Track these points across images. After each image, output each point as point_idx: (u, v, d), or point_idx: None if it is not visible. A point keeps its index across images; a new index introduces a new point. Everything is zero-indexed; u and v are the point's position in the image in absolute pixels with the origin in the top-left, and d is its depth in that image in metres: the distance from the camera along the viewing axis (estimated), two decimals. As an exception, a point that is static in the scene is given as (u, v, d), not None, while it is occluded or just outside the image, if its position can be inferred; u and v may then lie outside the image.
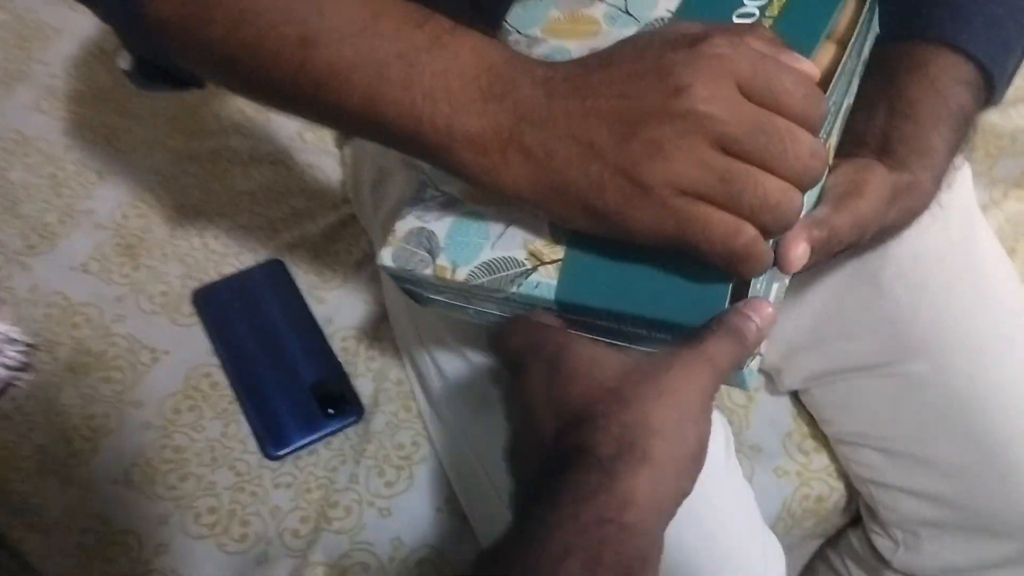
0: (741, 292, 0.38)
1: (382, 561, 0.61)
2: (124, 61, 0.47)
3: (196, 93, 0.87)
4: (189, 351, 0.70)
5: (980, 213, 0.64)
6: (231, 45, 0.40)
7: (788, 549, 0.59)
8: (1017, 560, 0.60)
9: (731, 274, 0.38)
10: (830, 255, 0.41)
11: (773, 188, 0.35)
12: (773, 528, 0.64)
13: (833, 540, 0.73)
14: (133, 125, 0.84)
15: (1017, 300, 0.62)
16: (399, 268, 0.44)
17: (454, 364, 0.62)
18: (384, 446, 0.66)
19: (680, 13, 0.44)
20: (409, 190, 0.47)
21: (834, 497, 0.67)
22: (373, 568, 0.61)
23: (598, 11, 0.45)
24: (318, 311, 0.73)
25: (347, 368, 0.69)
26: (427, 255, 0.44)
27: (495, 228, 0.43)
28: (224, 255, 0.76)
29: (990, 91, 0.49)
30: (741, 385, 0.42)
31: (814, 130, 0.37)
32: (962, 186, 0.63)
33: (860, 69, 0.47)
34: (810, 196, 0.42)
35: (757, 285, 0.39)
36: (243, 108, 0.87)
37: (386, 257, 0.44)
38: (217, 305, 0.72)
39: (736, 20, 0.42)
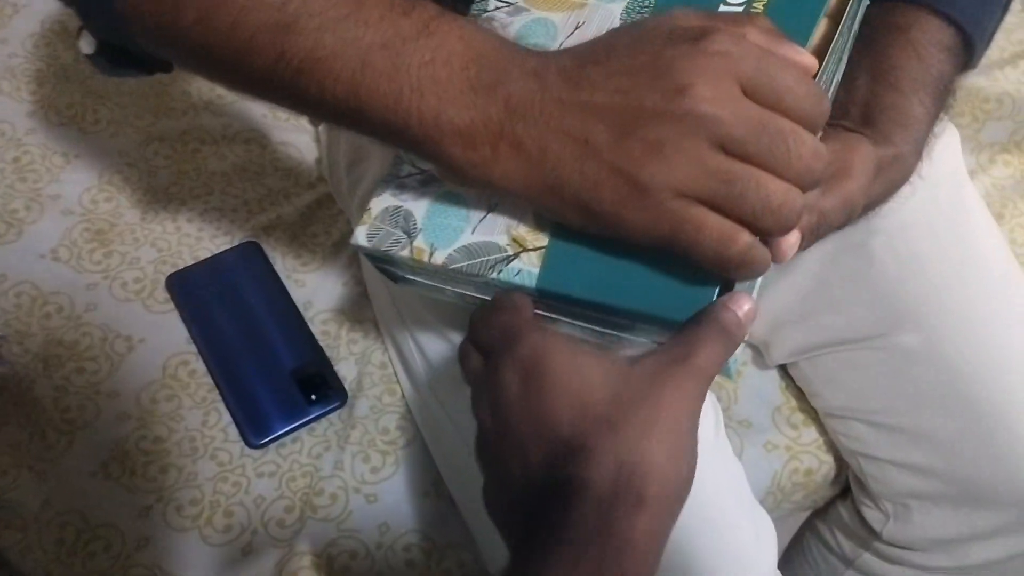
0: (728, 285, 0.38)
1: (369, 548, 0.60)
2: (87, 45, 0.45)
3: (163, 70, 0.85)
4: (165, 339, 0.68)
5: (968, 180, 0.63)
6: (205, 31, 0.38)
7: (777, 522, 0.58)
8: (1006, 530, 0.60)
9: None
10: (820, 239, 0.41)
11: (776, 190, 0.34)
12: (763, 502, 0.64)
13: (822, 512, 0.73)
14: (98, 105, 0.81)
15: (1005, 267, 0.62)
16: (374, 248, 0.43)
17: (436, 345, 0.61)
18: (369, 431, 0.65)
19: None
20: (386, 168, 0.46)
21: (823, 470, 0.67)
22: (360, 555, 0.60)
23: None
24: (297, 294, 0.71)
25: (328, 352, 0.68)
26: (404, 235, 0.42)
27: (476, 211, 0.42)
28: (198, 238, 0.74)
29: (969, 55, 0.48)
30: (724, 374, 0.41)
31: (816, 129, 0.36)
32: (949, 153, 0.62)
33: (851, 42, 0.45)
34: None
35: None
36: (214, 86, 0.84)
37: (360, 236, 0.43)
38: (192, 290, 0.70)
39: (723, 6, 0.40)
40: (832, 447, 0.67)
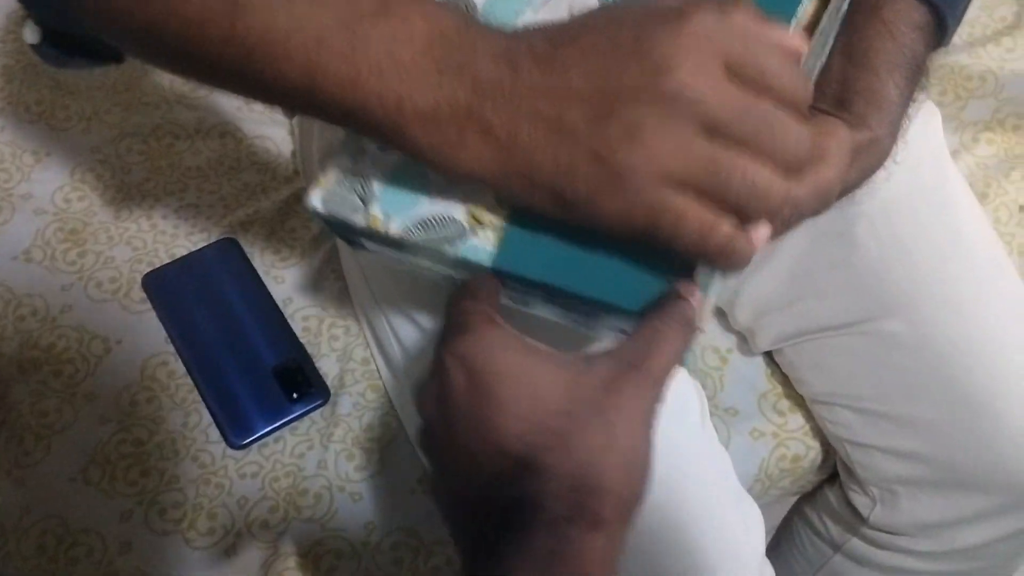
0: (686, 274, 0.36)
1: (356, 547, 0.60)
2: (31, 34, 0.43)
3: (134, 64, 0.83)
4: (143, 339, 0.67)
5: (951, 160, 0.63)
6: (149, 10, 0.36)
7: (765, 507, 0.58)
8: (992, 513, 0.60)
9: (692, 262, 0.36)
10: (792, 227, 0.39)
11: (761, 176, 0.33)
12: (750, 489, 0.64)
13: (810, 496, 0.73)
14: (68, 100, 0.79)
15: (989, 248, 0.61)
16: (328, 214, 0.41)
17: (409, 330, 0.60)
18: (352, 429, 0.64)
19: None
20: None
21: (811, 456, 0.66)
22: (347, 555, 0.60)
23: None
24: (276, 291, 0.70)
25: (310, 349, 0.67)
26: (360, 202, 0.41)
27: (436, 182, 0.40)
28: (174, 236, 0.72)
29: (942, 33, 0.48)
30: (679, 362, 0.40)
31: (801, 113, 0.34)
32: (931, 134, 0.62)
33: (837, 26, 0.44)
34: None
35: (704, 269, 0.37)
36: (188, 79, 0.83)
37: (315, 200, 0.41)
38: (170, 289, 0.69)
39: None
40: (819, 433, 0.67)
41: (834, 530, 0.70)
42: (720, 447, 0.59)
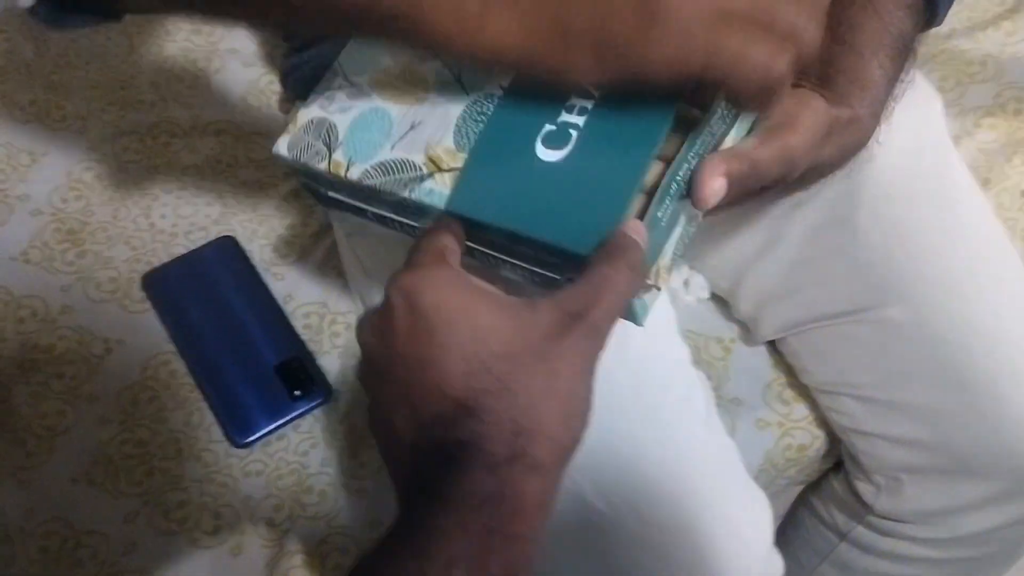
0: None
1: (361, 544, 0.60)
2: None
3: (129, 62, 0.82)
4: (143, 339, 0.67)
5: (952, 146, 0.63)
6: None
7: (771, 496, 0.58)
8: (997, 499, 0.60)
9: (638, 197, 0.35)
10: (752, 191, 0.39)
11: (804, 9, 0.33)
12: (756, 479, 0.63)
13: (815, 485, 0.73)
14: (63, 100, 0.79)
15: (991, 234, 0.61)
16: (294, 160, 0.42)
17: None
18: (356, 425, 0.64)
19: (516, 84, 0.40)
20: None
21: (816, 445, 0.66)
22: (353, 552, 0.59)
23: (431, 71, 0.42)
24: (276, 288, 0.70)
25: (311, 346, 0.67)
26: (324, 148, 0.41)
27: (399, 128, 0.41)
28: (173, 235, 0.72)
29: (932, 11, 0.47)
30: (634, 320, 0.40)
31: None
32: (932, 120, 0.62)
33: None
34: (743, 124, 0.40)
35: (660, 215, 0.36)
36: (181, 75, 0.82)
37: (282, 146, 0.42)
38: (169, 288, 0.69)
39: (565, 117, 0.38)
40: (824, 422, 0.66)
41: (839, 518, 0.70)
42: (726, 438, 0.59)
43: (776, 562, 0.56)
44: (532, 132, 0.38)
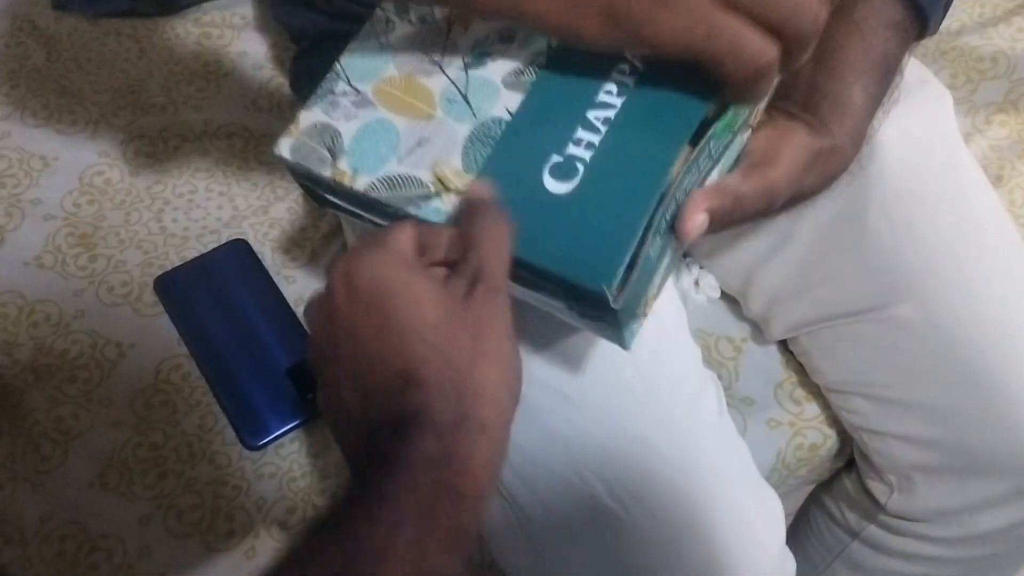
0: (635, 256, 0.37)
1: (374, 546, 0.60)
2: None
3: (140, 66, 0.83)
4: (156, 343, 0.67)
5: (963, 144, 0.62)
6: None
7: (782, 496, 0.58)
8: (1011, 498, 0.60)
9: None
10: (734, 223, 0.40)
11: (804, 3, 0.34)
12: (768, 479, 0.64)
13: (827, 484, 0.73)
14: (74, 104, 0.79)
15: (1002, 231, 0.61)
16: (296, 164, 0.42)
17: None
18: (367, 427, 0.64)
19: (524, 111, 0.41)
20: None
21: (828, 444, 0.66)
22: (365, 553, 0.60)
23: (436, 85, 0.42)
24: (288, 290, 0.70)
25: (323, 349, 0.67)
26: (328, 155, 0.41)
27: (405, 142, 0.41)
28: (184, 238, 0.72)
29: (922, 24, 0.47)
30: (621, 345, 0.41)
31: None
32: (943, 117, 0.61)
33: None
34: (728, 159, 0.41)
35: (651, 251, 0.37)
36: (192, 79, 0.83)
37: (284, 148, 0.42)
38: (181, 292, 0.69)
39: (591, 117, 0.39)
40: (835, 421, 0.66)
41: (851, 517, 0.70)
42: (738, 438, 0.59)
43: (788, 561, 0.56)
44: (539, 162, 0.38)
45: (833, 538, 0.72)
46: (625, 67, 0.39)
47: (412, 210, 0.40)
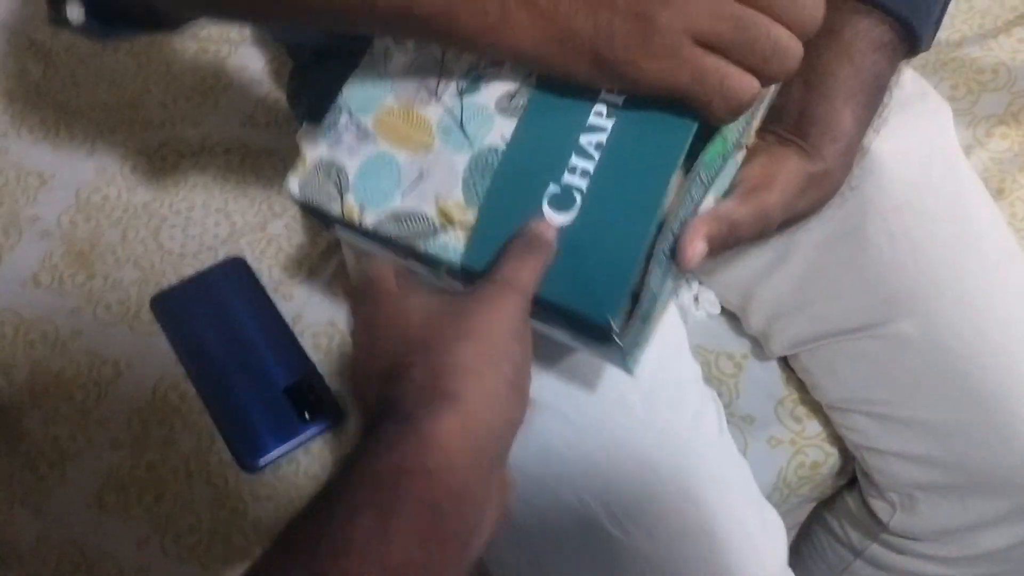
0: (638, 287, 0.38)
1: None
2: (75, 12, 0.44)
3: (137, 82, 0.83)
4: (153, 362, 0.67)
5: (963, 157, 0.62)
6: None
7: (785, 513, 0.58)
8: (1014, 517, 0.59)
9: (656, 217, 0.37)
10: (731, 248, 0.41)
11: (783, 36, 0.35)
12: (769, 497, 0.63)
13: (829, 502, 0.73)
14: (72, 121, 0.79)
15: (1003, 245, 0.60)
16: (305, 200, 0.43)
17: None
18: (365, 447, 0.63)
19: (518, 139, 0.41)
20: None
21: (829, 462, 0.66)
22: (364, 575, 0.59)
23: (433, 115, 0.42)
24: (285, 308, 0.70)
25: (321, 367, 0.67)
26: (335, 191, 0.42)
27: (406, 176, 0.41)
28: (181, 256, 0.72)
29: (913, 42, 0.47)
30: (626, 371, 0.42)
31: None
32: (942, 131, 0.61)
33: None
34: (720, 184, 0.41)
35: (652, 283, 0.38)
36: (189, 95, 0.82)
37: (293, 185, 0.43)
38: (178, 310, 0.69)
39: (583, 143, 0.39)
40: (837, 439, 0.66)
41: (854, 535, 0.69)
42: (739, 457, 0.58)
43: (790, 581, 0.56)
44: (538, 193, 0.39)
45: (836, 556, 0.72)
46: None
47: (421, 245, 0.40)
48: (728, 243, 0.40)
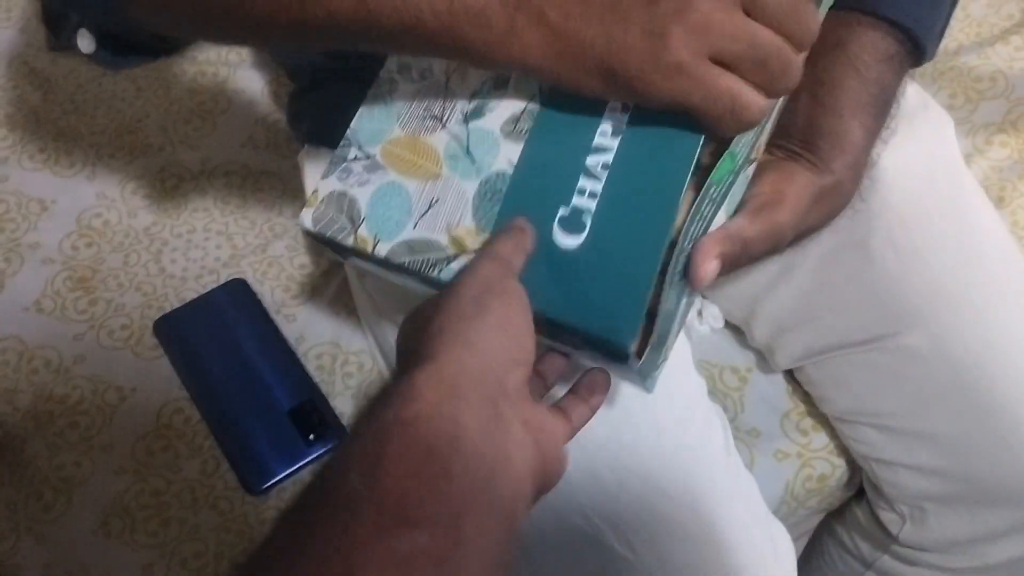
0: (653, 308, 0.38)
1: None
2: (87, 44, 0.45)
3: (136, 106, 0.83)
4: (157, 387, 0.67)
5: (965, 166, 0.62)
6: None
7: (793, 525, 0.57)
8: (1021, 528, 0.59)
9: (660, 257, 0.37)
10: (743, 266, 0.41)
11: (789, 53, 0.36)
12: (777, 511, 0.63)
13: (839, 513, 0.72)
14: (72, 147, 0.79)
15: (1007, 254, 0.60)
16: (319, 233, 0.43)
17: None
18: (371, 468, 0.63)
19: (525, 163, 0.41)
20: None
21: (837, 474, 0.65)
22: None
23: (440, 142, 0.43)
24: (288, 329, 0.70)
25: (324, 388, 0.66)
26: (348, 223, 0.43)
27: (418, 204, 0.42)
28: (183, 279, 0.72)
29: (919, 52, 0.48)
30: (645, 390, 0.42)
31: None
32: (944, 141, 0.61)
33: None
34: (733, 199, 0.41)
35: (667, 305, 0.38)
36: (188, 118, 0.82)
37: (307, 219, 0.44)
38: (181, 334, 0.69)
39: (590, 164, 0.39)
40: (844, 450, 0.66)
41: (864, 547, 0.69)
42: (746, 473, 0.58)
43: (800, 597, 0.55)
44: (548, 216, 0.39)
45: (846, 568, 0.71)
46: (617, 104, 0.40)
47: (435, 273, 0.40)
48: (741, 261, 0.40)
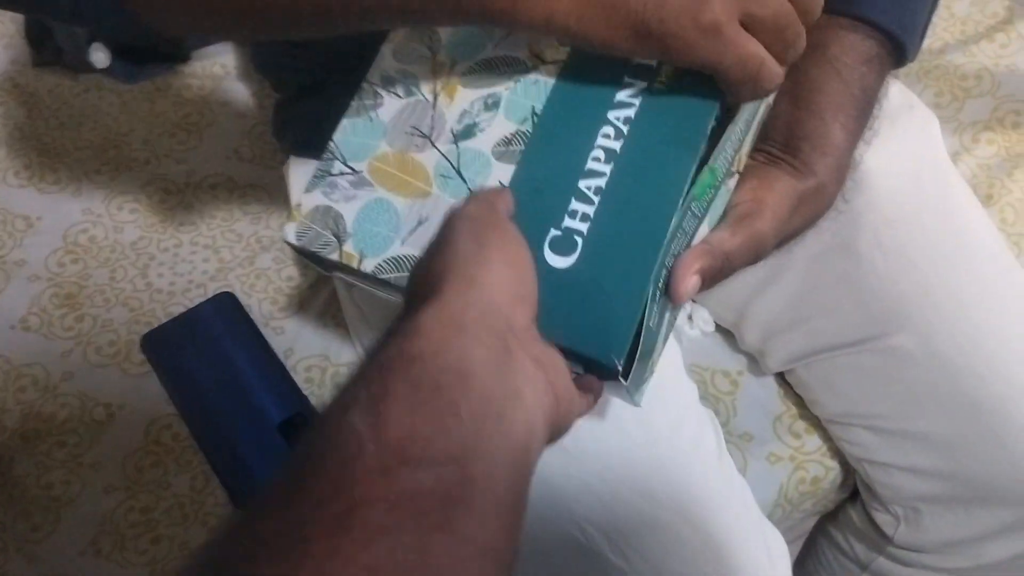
0: (639, 327, 0.37)
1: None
2: (101, 59, 0.44)
3: (121, 121, 0.82)
4: (145, 403, 0.66)
5: (952, 166, 0.62)
6: None
7: (788, 528, 0.57)
8: (1016, 527, 0.59)
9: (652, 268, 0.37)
10: (725, 278, 0.40)
11: (800, 25, 0.37)
12: (772, 515, 0.63)
13: (834, 515, 0.72)
14: (57, 163, 0.79)
15: (996, 253, 0.60)
16: (303, 248, 0.43)
17: None
18: (362, 480, 0.63)
19: (517, 184, 0.41)
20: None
21: (830, 477, 0.65)
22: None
23: (430, 161, 0.42)
24: (277, 342, 0.69)
25: (314, 400, 0.66)
26: (333, 239, 0.42)
27: (406, 222, 0.42)
28: (171, 294, 0.72)
29: (900, 54, 0.48)
30: (631, 402, 0.41)
31: None
32: (930, 141, 0.61)
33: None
34: (714, 214, 0.41)
35: (651, 322, 0.38)
36: (173, 131, 0.82)
37: (290, 234, 0.43)
38: (169, 349, 0.68)
39: (583, 187, 0.39)
40: (837, 452, 0.65)
41: (859, 549, 0.69)
42: (739, 478, 0.58)
43: (796, 602, 0.55)
44: (539, 236, 0.39)
45: (843, 570, 0.71)
46: (610, 130, 0.40)
47: None
48: (722, 274, 0.40)
